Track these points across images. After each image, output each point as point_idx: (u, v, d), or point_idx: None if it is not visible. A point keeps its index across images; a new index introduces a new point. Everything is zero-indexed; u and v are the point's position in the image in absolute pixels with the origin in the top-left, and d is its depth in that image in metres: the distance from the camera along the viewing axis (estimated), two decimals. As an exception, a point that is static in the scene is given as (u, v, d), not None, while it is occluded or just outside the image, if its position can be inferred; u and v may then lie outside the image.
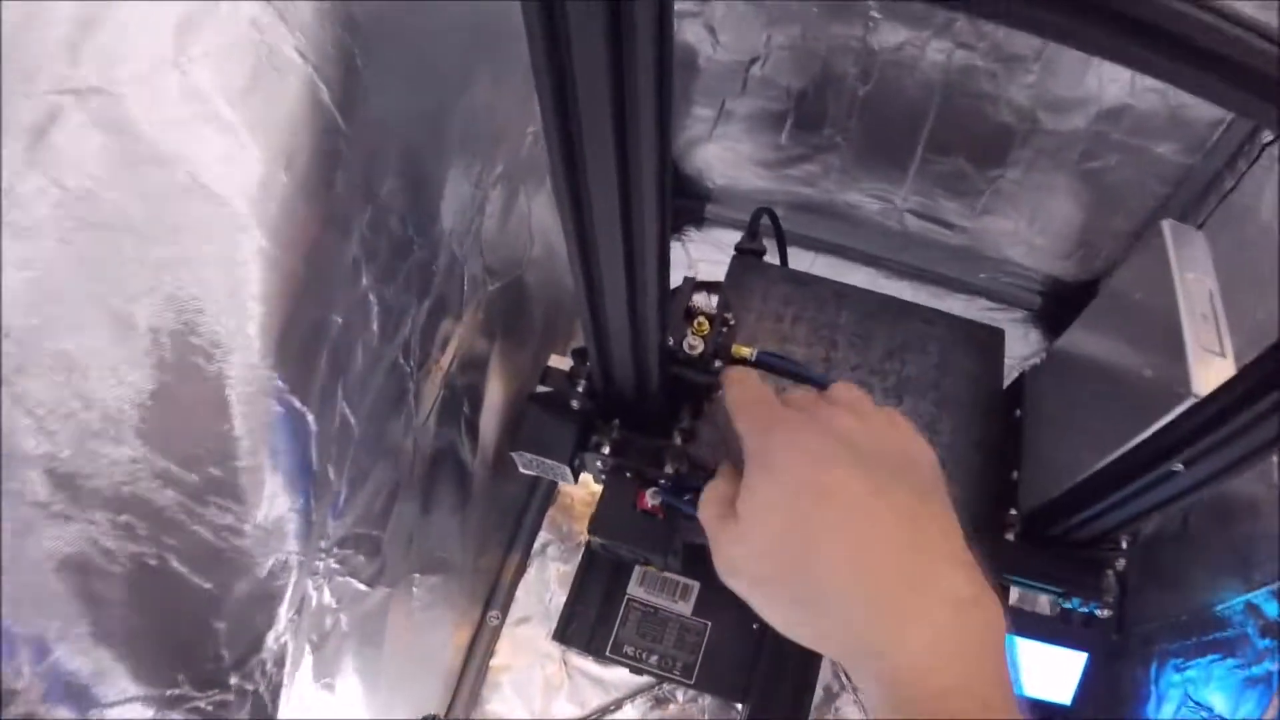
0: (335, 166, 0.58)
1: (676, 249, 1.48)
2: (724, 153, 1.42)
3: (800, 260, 1.44)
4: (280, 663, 0.62)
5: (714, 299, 0.97)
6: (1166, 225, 0.81)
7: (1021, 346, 1.46)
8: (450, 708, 1.20)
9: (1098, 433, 0.81)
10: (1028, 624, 1.00)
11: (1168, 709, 1.02)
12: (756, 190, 1.46)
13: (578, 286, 0.63)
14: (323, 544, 0.68)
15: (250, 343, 0.52)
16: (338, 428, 0.66)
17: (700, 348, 0.82)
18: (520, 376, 1.07)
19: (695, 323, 0.84)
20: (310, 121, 0.55)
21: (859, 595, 0.47)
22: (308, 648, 0.68)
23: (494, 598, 1.25)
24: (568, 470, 0.88)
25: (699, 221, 1.53)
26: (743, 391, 0.63)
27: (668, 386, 0.83)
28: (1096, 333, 0.93)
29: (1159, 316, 0.77)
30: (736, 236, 1.22)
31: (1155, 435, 0.71)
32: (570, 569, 1.26)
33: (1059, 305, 1.46)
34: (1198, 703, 0.97)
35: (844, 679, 1.29)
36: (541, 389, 0.88)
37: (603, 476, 0.90)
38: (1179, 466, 0.70)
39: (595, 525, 0.87)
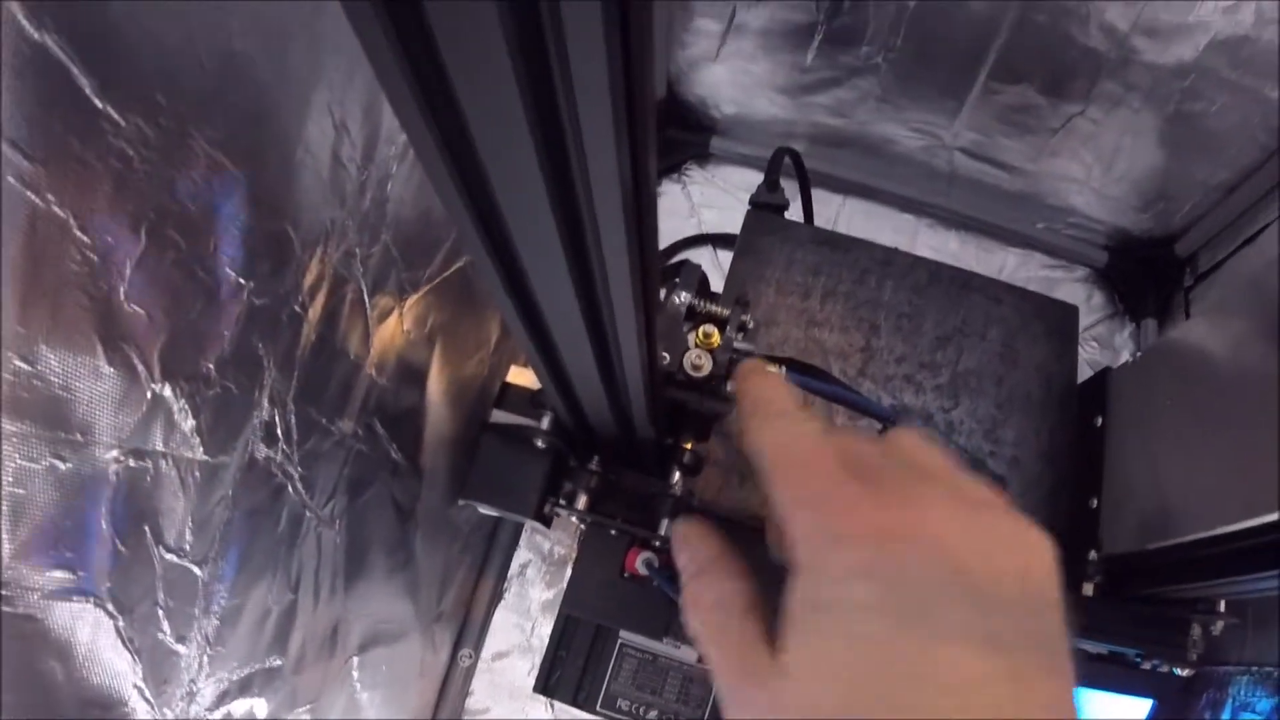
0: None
1: (674, 191, 1.27)
2: (734, 75, 1.22)
3: (825, 206, 1.25)
4: None
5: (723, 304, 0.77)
6: None
7: (1083, 313, 1.24)
8: None
9: (1229, 481, 0.64)
10: (1084, 668, 0.86)
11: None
12: (773, 121, 1.25)
13: (503, 307, 0.41)
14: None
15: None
16: (164, 588, 0.47)
17: (707, 367, 0.63)
18: (476, 383, 0.86)
19: (700, 332, 0.64)
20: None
21: None
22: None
23: (465, 634, 1.09)
24: (536, 523, 0.69)
25: (703, 158, 1.31)
26: (778, 434, 0.40)
27: (660, 416, 0.63)
28: (1235, 333, 0.72)
29: None
30: (747, 175, 1.11)
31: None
32: (555, 594, 1.09)
33: (1128, 263, 1.28)
34: None
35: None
36: (499, 415, 0.69)
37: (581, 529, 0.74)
38: None
39: (571, 598, 0.72)
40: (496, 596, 1.10)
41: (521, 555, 1.12)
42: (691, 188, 1.28)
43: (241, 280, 0.47)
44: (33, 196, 0.32)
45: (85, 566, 0.40)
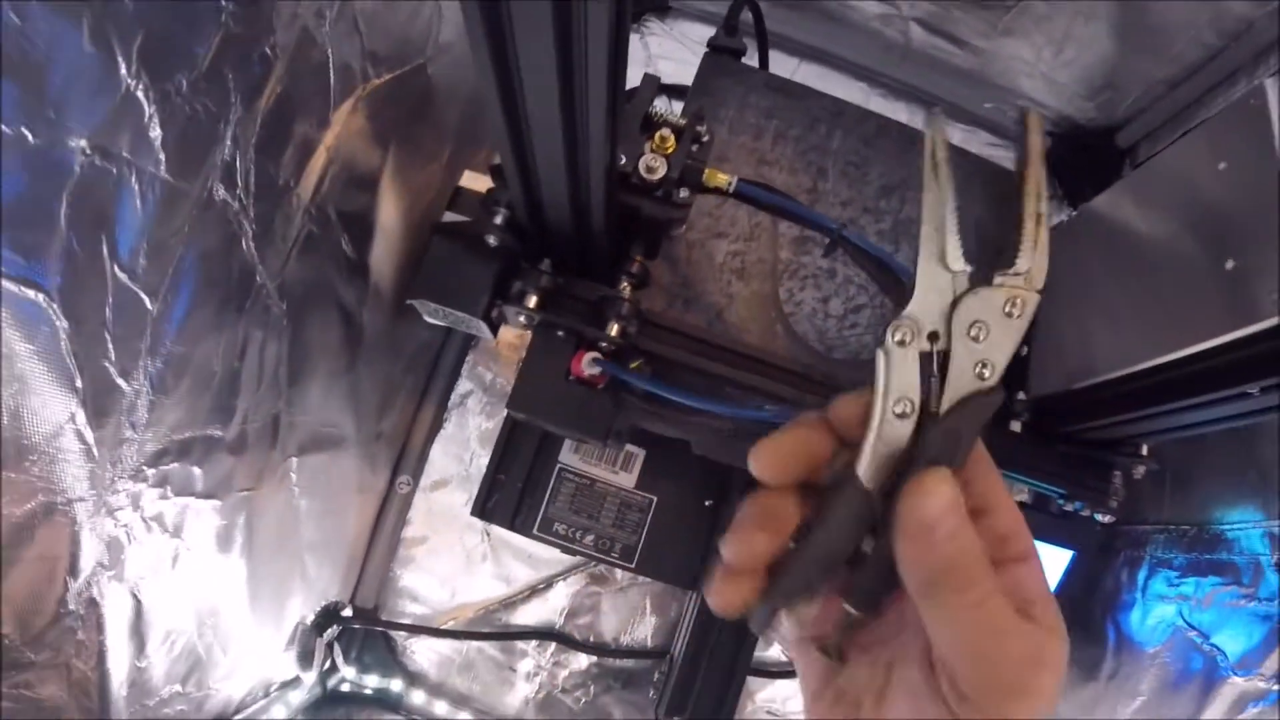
0: None
1: (633, 42, 1.27)
2: None
3: (780, 66, 1.26)
4: (97, 624, 0.54)
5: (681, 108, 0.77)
6: (1271, 86, 0.64)
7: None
8: (356, 590, 1.08)
9: (1142, 326, 0.69)
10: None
11: (1152, 620, 0.92)
12: (736, -23, 1.22)
13: (483, 77, 0.44)
14: (121, 468, 0.53)
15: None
16: (113, 309, 0.47)
17: (661, 171, 0.64)
18: (427, 196, 0.86)
19: (657, 137, 0.65)
20: None
21: None
22: (136, 593, 0.58)
23: (403, 460, 1.10)
24: (482, 324, 0.71)
25: (662, 10, 1.31)
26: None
27: (616, 218, 0.65)
28: (1154, 200, 0.76)
29: (1251, 199, 0.63)
30: (707, 30, 1.08)
31: (1226, 346, 0.61)
32: (495, 425, 1.10)
33: (1071, 150, 1.29)
34: (1192, 625, 0.87)
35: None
36: (451, 216, 0.70)
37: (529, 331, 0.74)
38: (1254, 389, 0.60)
39: (517, 398, 0.72)
40: (437, 425, 1.11)
41: (463, 385, 1.12)
42: (650, 39, 1.28)
43: (223, 2, 0.47)
44: None
45: (38, 256, 0.40)
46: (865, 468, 0.35)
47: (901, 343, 0.35)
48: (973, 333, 0.35)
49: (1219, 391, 0.62)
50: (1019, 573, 0.35)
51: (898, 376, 0.35)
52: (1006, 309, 0.36)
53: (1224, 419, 0.66)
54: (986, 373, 0.35)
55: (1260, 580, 0.83)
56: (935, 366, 0.35)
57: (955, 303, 0.35)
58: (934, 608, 0.34)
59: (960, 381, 0.35)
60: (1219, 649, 0.82)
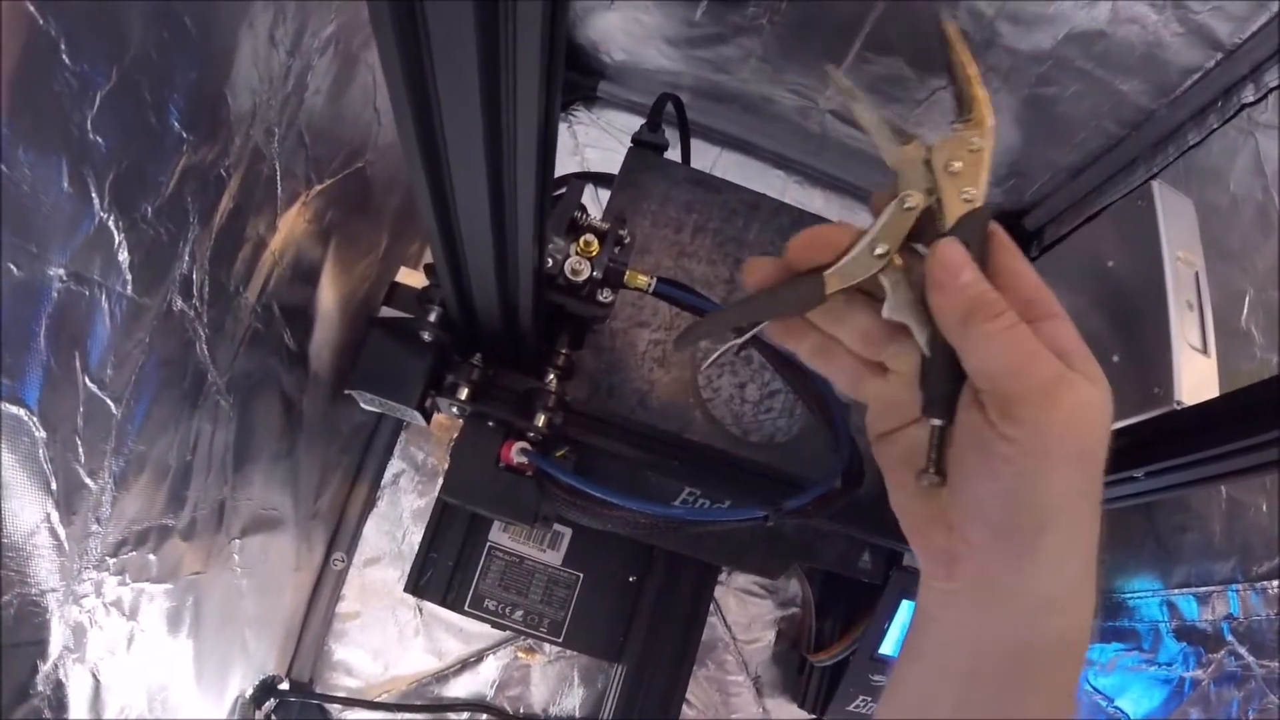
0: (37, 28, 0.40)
1: (561, 131, 1.32)
2: (627, 23, 1.24)
3: (702, 155, 1.32)
4: (60, 704, 0.57)
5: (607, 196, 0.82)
6: (1157, 189, 0.72)
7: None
8: (292, 664, 1.10)
9: None
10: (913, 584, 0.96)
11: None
12: (660, 71, 1.29)
13: (418, 191, 0.49)
14: (87, 559, 0.56)
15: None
16: (83, 416, 0.51)
17: (586, 273, 0.68)
18: (364, 285, 0.91)
19: (581, 241, 0.69)
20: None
21: None
22: (96, 673, 0.61)
23: (338, 538, 1.12)
24: (417, 414, 0.74)
25: (590, 100, 1.36)
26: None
27: (544, 315, 0.70)
28: (1057, 286, 0.81)
29: (1138, 295, 0.69)
30: (632, 120, 1.12)
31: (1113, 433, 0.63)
32: (426, 503, 1.13)
33: None
34: (1097, 689, 0.93)
35: (728, 632, 1.17)
36: (388, 311, 0.74)
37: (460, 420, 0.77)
38: (1138, 474, 0.65)
39: (450, 484, 0.75)
40: (370, 503, 1.14)
41: (395, 465, 1.15)
42: (577, 127, 1.33)
43: (185, 134, 0.51)
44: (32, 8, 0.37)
45: (21, 375, 0.44)
46: (832, 273, 0.44)
47: (911, 209, 0.44)
48: (951, 168, 0.44)
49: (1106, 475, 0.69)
50: (1050, 328, 0.41)
51: (887, 228, 0.44)
52: (969, 146, 0.44)
53: (1111, 500, 0.70)
54: (971, 193, 0.43)
55: (1160, 645, 0.88)
56: (936, 202, 0.44)
57: (929, 161, 0.45)
58: (970, 339, 0.40)
59: (953, 207, 0.43)
60: (1122, 711, 0.88)
